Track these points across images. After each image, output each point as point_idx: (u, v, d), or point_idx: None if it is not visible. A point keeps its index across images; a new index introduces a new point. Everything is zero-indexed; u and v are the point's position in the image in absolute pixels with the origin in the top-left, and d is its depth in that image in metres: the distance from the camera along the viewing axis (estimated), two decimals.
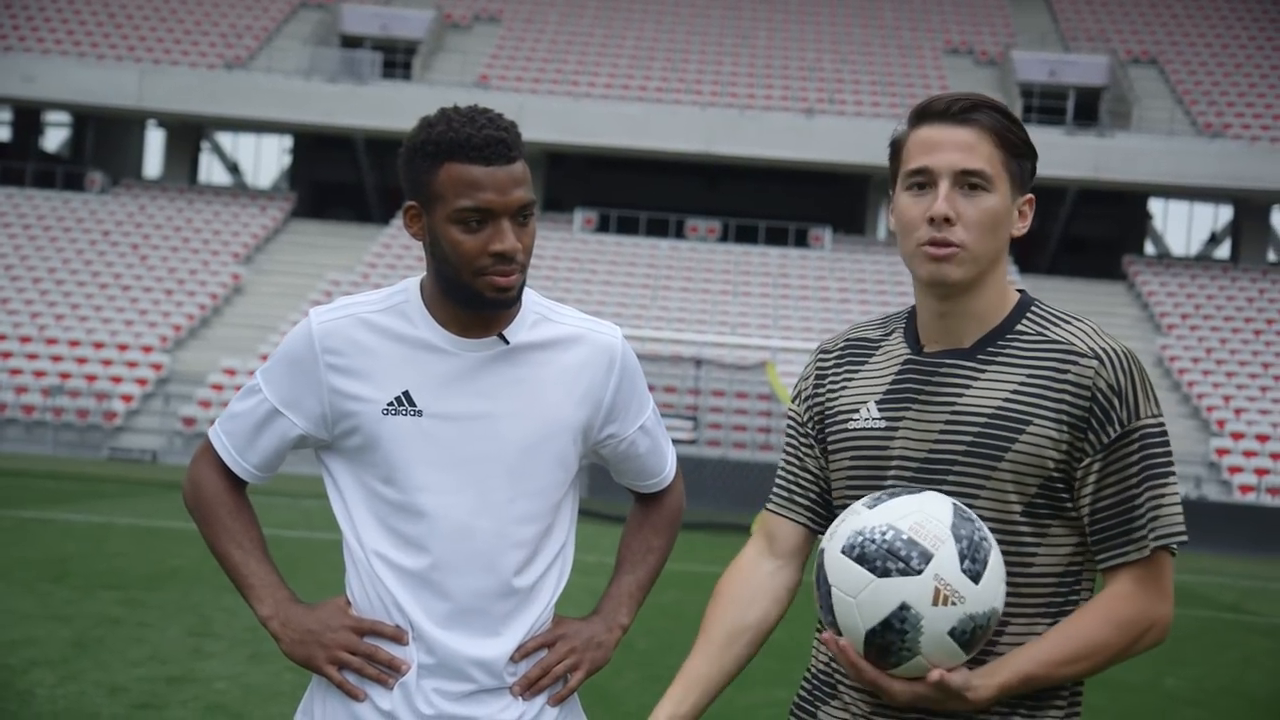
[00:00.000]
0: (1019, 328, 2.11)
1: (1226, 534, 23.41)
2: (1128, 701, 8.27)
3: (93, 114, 38.72)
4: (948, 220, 2.06)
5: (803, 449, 2.26)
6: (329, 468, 2.30)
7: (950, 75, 39.59)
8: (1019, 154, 2.10)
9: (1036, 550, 2.06)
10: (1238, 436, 28.31)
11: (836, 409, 2.19)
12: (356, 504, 2.25)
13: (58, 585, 9.64)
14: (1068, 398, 2.03)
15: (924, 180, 2.07)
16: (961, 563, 1.93)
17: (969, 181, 2.07)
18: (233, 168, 44.02)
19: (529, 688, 2.26)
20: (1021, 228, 2.13)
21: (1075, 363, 2.04)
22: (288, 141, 42.97)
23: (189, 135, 39.46)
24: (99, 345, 29.30)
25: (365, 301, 2.28)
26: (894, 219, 2.14)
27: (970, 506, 2.03)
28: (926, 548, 1.93)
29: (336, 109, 35.22)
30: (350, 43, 39.63)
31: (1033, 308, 2.14)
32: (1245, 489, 26.78)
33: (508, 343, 2.26)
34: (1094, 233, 40.45)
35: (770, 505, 2.31)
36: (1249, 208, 37.44)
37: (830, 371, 2.24)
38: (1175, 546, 2.06)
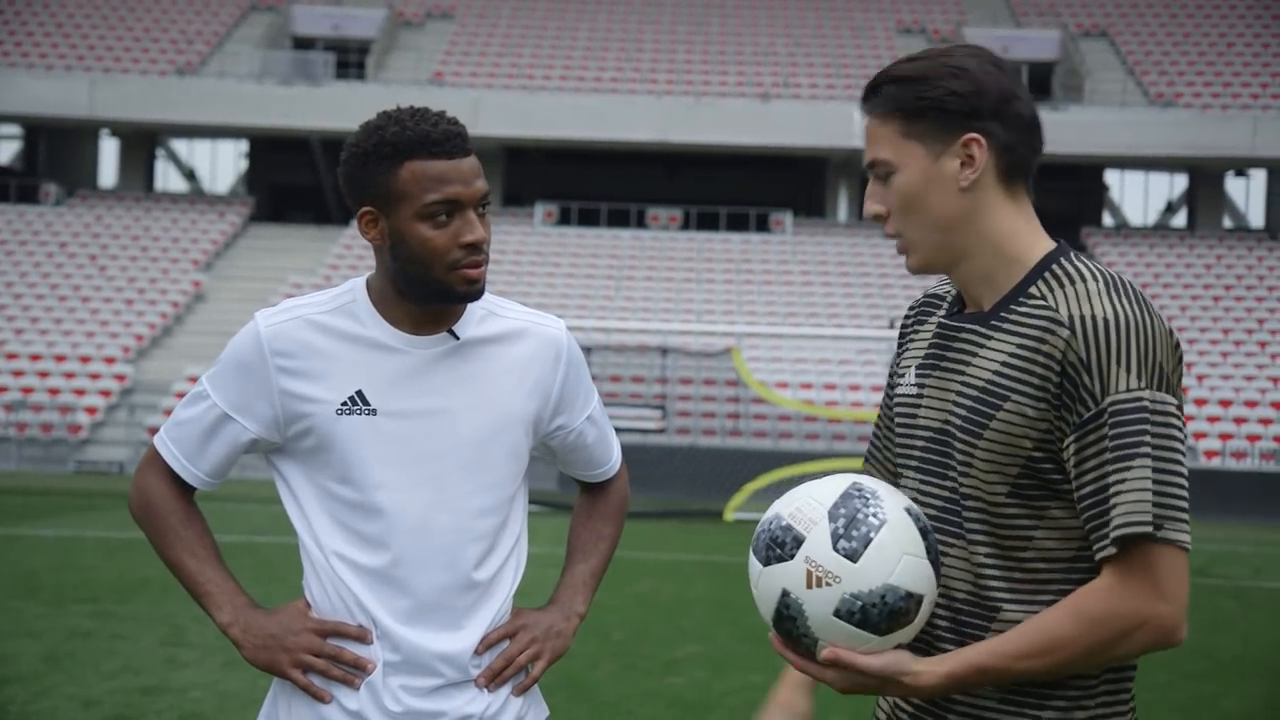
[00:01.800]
0: (1031, 290, 1.93)
1: (1194, 499, 22.93)
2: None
3: (45, 125, 38.37)
4: (879, 216, 2.01)
5: (886, 411, 2.20)
6: (281, 471, 2.30)
7: (903, 54, 39.65)
8: (918, 112, 1.95)
9: (1033, 534, 1.92)
10: (1201, 403, 28.58)
11: (899, 370, 2.13)
12: (312, 506, 2.26)
13: (28, 600, 9.58)
14: (1042, 371, 1.87)
15: (866, 179, 2.05)
16: (835, 543, 1.88)
17: (877, 173, 2.00)
18: (189, 174, 43.72)
19: (493, 679, 2.29)
20: (970, 173, 1.94)
21: (1052, 332, 1.87)
22: (244, 146, 42.71)
23: (143, 143, 39.17)
24: (61, 358, 29.08)
25: (312, 303, 2.28)
26: None
27: (960, 486, 1.95)
28: (800, 531, 1.90)
29: (291, 111, 35.03)
30: (302, 44, 39.43)
31: (1054, 265, 1.95)
32: (1210, 454, 27.04)
33: (458, 338, 2.27)
34: (1052, 206, 40.58)
35: (867, 463, 2.27)
36: (1203, 176, 37.77)
37: (909, 329, 2.15)
38: (1177, 538, 1.84)
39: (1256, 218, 40.47)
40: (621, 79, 38.07)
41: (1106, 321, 1.86)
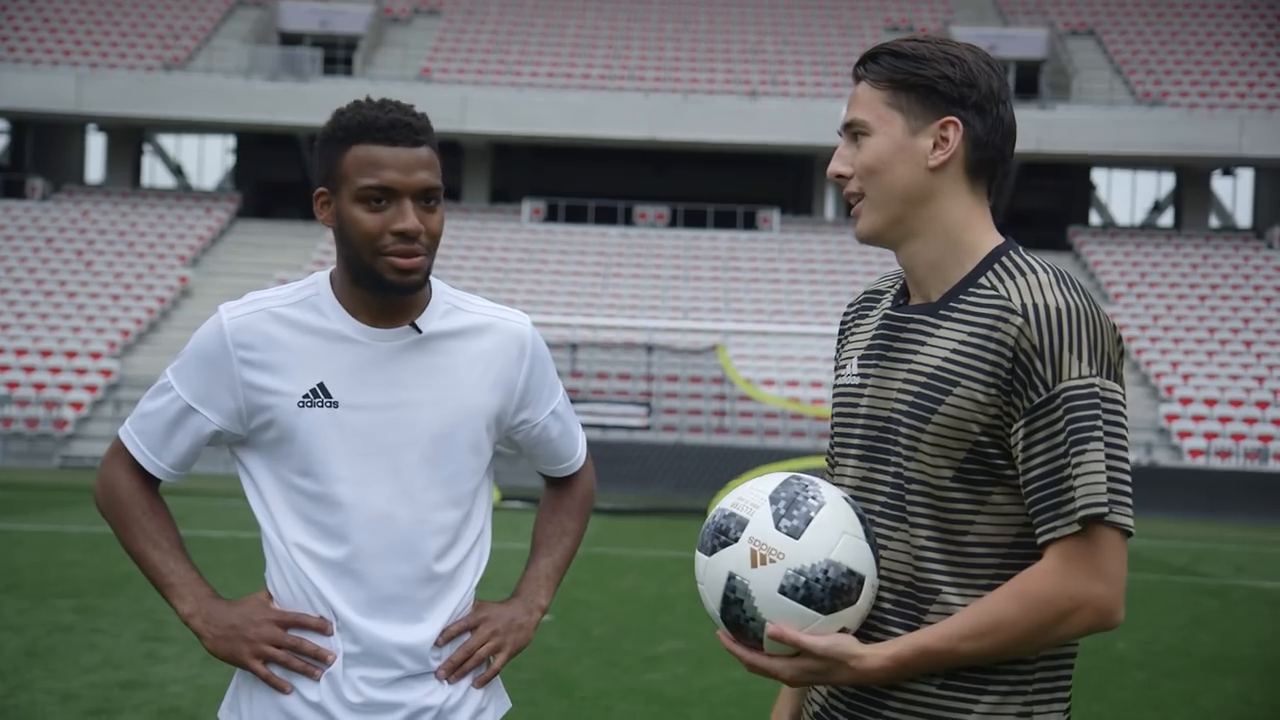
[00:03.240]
0: (981, 280, 1.98)
1: (1178, 498, 23.73)
2: (1078, 665, 8.36)
3: (31, 120, 38.25)
4: (841, 175, 2.05)
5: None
6: (244, 463, 2.31)
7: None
8: (907, 85, 2.01)
9: (974, 519, 1.95)
10: (1186, 402, 28.67)
11: (840, 362, 2.17)
12: (274, 498, 2.27)
13: (9, 595, 9.57)
14: (993, 358, 1.91)
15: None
16: (777, 522, 1.94)
17: (853, 133, 2.05)
18: (176, 170, 43.63)
19: (454, 671, 2.29)
20: (941, 155, 1.99)
21: (1005, 320, 1.92)
22: (231, 141, 42.63)
23: (130, 138, 39.08)
24: (46, 353, 29.01)
25: (275, 296, 2.30)
26: None
27: (904, 470, 1.98)
28: (743, 516, 1.96)
29: (278, 107, 34.97)
30: (289, 40, 39.37)
31: (1004, 257, 2.00)
32: (1195, 453, 27.13)
33: (420, 331, 2.28)
34: (1039, 205, 40.78)
35: (827, 460, 2.28)
36: (1190, 175, 37.87)
37: (848, 324, 2.19)
38: (1123, 522, 1.88)
39: (1243, 217, 40.60)
40: (609, 76, 38.06)
41: (1059, 310, 1.90)
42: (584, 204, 36.75)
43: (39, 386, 27.88)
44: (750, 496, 1.99)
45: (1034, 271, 1.97)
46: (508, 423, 2.38)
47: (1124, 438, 1.91)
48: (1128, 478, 1.90)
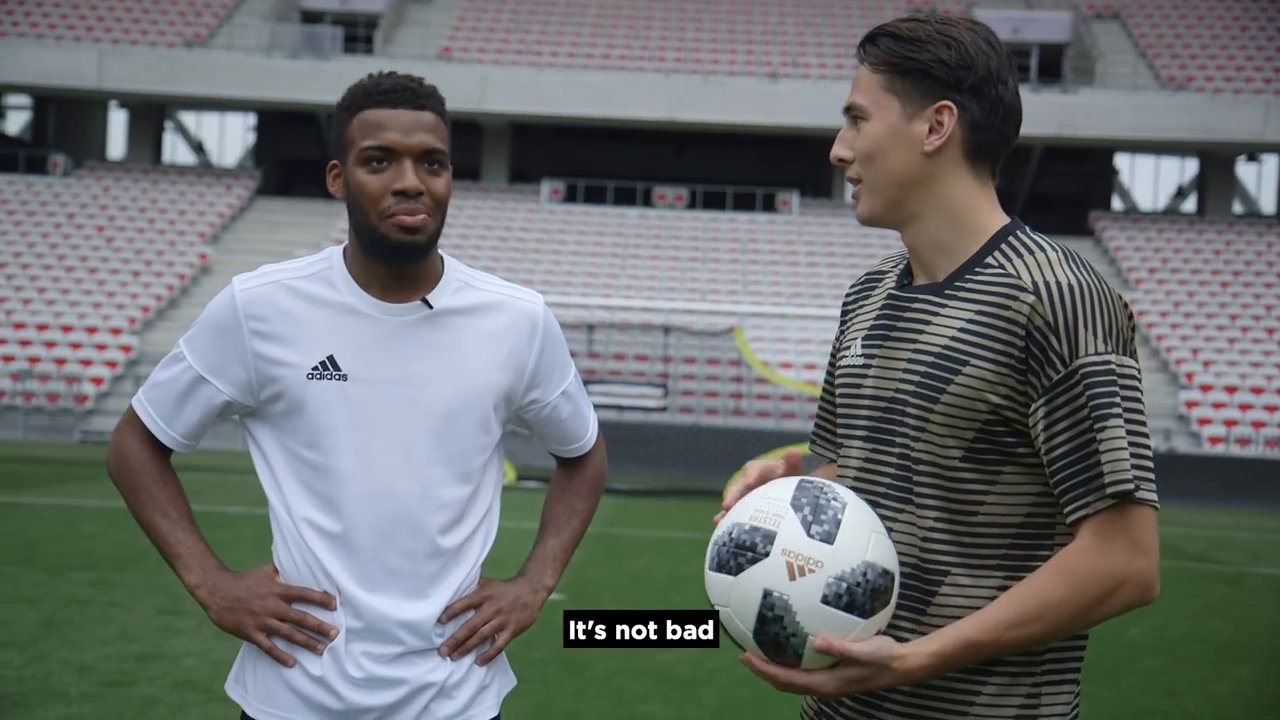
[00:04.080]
0: (988, 260, 1.97)
1: (1196, 485, 23.65)
2: (1091, 651, 8.29)
3: (54, 96, 38.38)
4: (842, 160, 2.06)
5: (830, 388, 2.23)
6: (254, 435, 2.32)
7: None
8: (903, 69, 2.00)
9: (984, 499, 1.93)
10: (1206, 389, 28.55)
11: (843, 344, 2.16)
12: (282, 470, 2.28)
13: (26, 568, 9.64)
14: (1005, 336, 1.90)
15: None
16: (808, 530, 1.86)
17: (852, 116, 2.05)
18: (197, 147, 43.72)
19: (456, 648, 2.30)
20: (936, 139, 1.98)
21: (1016, 298, 1.91)
22: (251, 119, 42.70)
23: (151, 115, 39.17)
24: (67, 329, 29.16)
25: (288, 268, 2.31)
26: None
27: (911, 451, 1.96)
28: (768, 529, 1.87)
29: (299, 85, 35.00)
30: (310, 18, 39.37)
31: (1010, 237, 1.99)
32: (1214, 440, 27.03)
33: (431, 307, 2.29)
34: (1061, 189, 40.59)
35: (813, 444, 2.29)
36: (1215, 160, 37.62)
37: (850, 306, 2.19)
38: (1150, 498, 1.88)
39: (1268, 203, 40.35)
40: (630, 57, 37.98)
41: (1071, 288, 1.89)
42: (603, 185, 36.71)
43: (60, 362, 28.03)
44: (769, 507, 1.90)
45: (1042, 250, 1.96)
46: (518, 402, 2.38)
47: (1142, 413, 1.91)
48: (1150, 453, 1.90)
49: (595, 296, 29.56)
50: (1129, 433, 1.87)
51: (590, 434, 2.53)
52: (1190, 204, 41.09)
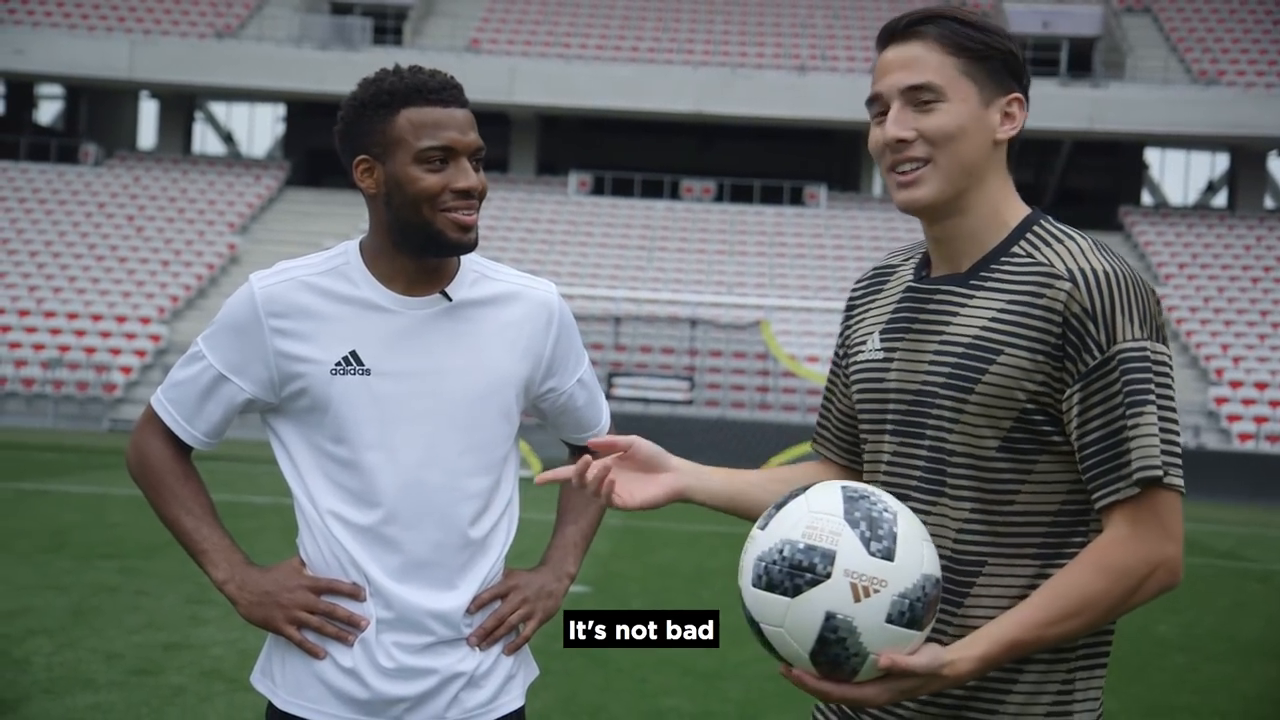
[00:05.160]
0: (1014, 249, 1.97)
1: (1226, 482, 23.49)
2: (1119, 648, 8.30)
3: (85, 86, 38.58)
4: (902, 141, 1.98)
5: (836, 386, 2.22)
6: (276, 430, 2.33)
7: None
8: (982, 56, 1.98)
9: (1019, 488, 1.93)
10: (1236, 385, 28.36)
11: (855, 340, 2.13)
12: (307, 464, 2.29)
13: (56, 555, 9.72)
14: (1040, 324, 1.90)
15: (880, 108, 2.01)
16: (868, 547, 1.80)
17: (918, 98, 1.98)
18: (226, 137, 43.90)
19: (485, 638, 2.31)
20: (1008, 130, 1.99)
21: (1050, 285, 1.91)
22: (281, 110, 42.83)
23: (182, 105, 39.35)
24: (97, 317, 29.34)
25: (305, 265, 2.31)
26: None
27: (946, 441, 1.95)
28: (826, 548, 1.81)
29: (328, 76, 35.08)
30: (340, 9, 39.44)
31: (1035, 226, 1.99)
32: (1244, 437, 26.85)
33: (450, 299, 2.30)
34: (1090, 184, 40.36)
35: (816, 444, 2.27)
36: (1246, 155, 37.33)
37: (859, 302, 2.17)
38: (1178, 483, 1.89)
39: None
40: (658, 49, 37.93)
41: (1107, 274, 1.90)
42: (630, 177, 36.70)
43: (89, 350, 28.21)
44: (823, 524, 1.83)
45: (1072, 239, 1.97)
46: (535, 390, 2.39)
47: (1173, 399, 1.92)
48: (1180, 439, 1.92)
49: (622, 289, 29.55)
50: (1161, 419, 1.88)
51: (604, 421, 2.54)
52: (1220, 199, 40.79)
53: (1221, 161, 40.83)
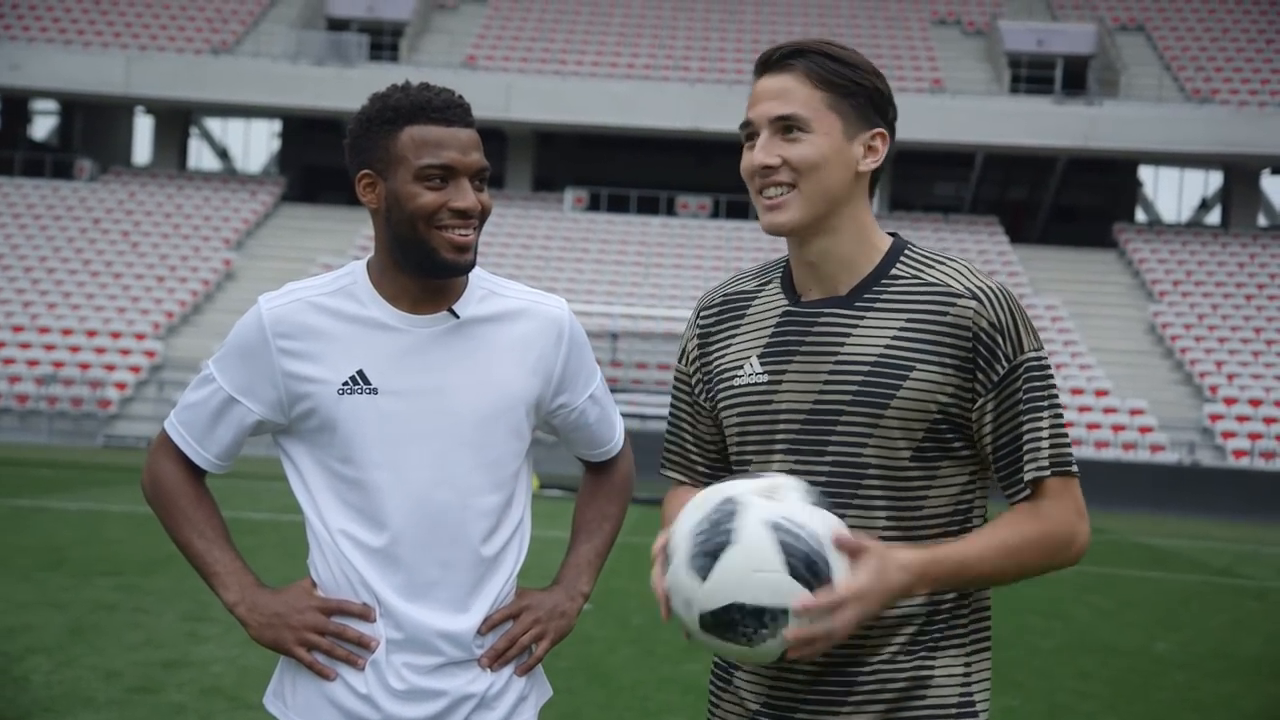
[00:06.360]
0: (894, 272, 2.10)
1: (1220, 499, 23.52)
2: (1118, 665, 8.34)
3: (80, 101, 38.63)
4: (768, 167, 2.09)
5: (694, 412, 2.25)
6: (287, 451, 2.33)
7: (937, 46, 39.53)
8: (848, 92, 2.09)
9: (927, 493, 2.07)
10: (1230, 402, 28.39)
11: (721, 367, 2.18)
12: (317, 484, 2.28)
13: (53, 572, 9.68)
14: (949, 340, 2.04)
15: (750, 132, 2.12)
16: (691, 565, 1.95)
17: (784, 125, 2.09)
18: (222, 153, 43.94)
19: (496, 659, 2.30)
20: (870, 162, 2.10)
21: (953, 304, 2.05)
22: (277, 126, 42.89)
23: (177, 121, 39.38)
24: (92, 333, 29.31)
25: (313, 285, 2.32)
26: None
27: (858, 455, 2.05)
28: (669, 541, 2.00)
29: (324, 92, 35.15)
30: (336, 25, 39.53)
31: (906, 251, 2.13)
32: (1239, 454, 26.88)
33: (458, 317, 2.29)
34: (1085, 201, 40.45)
35: (668, 470, 2.31)
36: (1239, 173, 37.46)
37: (713, 328, 2.22)
38: (1076, 472, 2.08)
39: None
40: (654, 66, 38.03)
41: (1003, 291, 2.07)
42: (626, 193, 36.75)
43: (84, 366, 28.17)
44: (672, 541, 2.00)
45: (952, 261, 2.12)
46: (546, 407, 2.38)
47: (1059, 395, 2.12)
48: (1066, 430, 2.12)
49: (618, 305, 29.58)
50: (1055, 416, 2.07)
51: (617, 437, 2.53)
52: (1214, 217, 40.90)
53: (1215, 179, 40.96)
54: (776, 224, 2.10)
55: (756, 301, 2.20)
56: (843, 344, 2.08)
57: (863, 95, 2.10)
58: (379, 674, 2.25)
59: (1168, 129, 34.59)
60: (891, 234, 2.16)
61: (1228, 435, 27.37)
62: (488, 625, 2.29)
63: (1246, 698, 7.73)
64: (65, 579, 9.44)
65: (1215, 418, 27.91)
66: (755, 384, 2.13)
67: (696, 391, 2.25)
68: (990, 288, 2.06)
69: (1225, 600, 12.15)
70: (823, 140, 2.07)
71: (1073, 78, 38.68)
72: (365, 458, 2.24)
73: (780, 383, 2.11)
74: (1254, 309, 31.94)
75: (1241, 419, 27.86)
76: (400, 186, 2.22)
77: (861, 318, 2.08)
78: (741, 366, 2.16)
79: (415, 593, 2.25)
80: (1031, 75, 37.87)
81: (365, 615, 2.25)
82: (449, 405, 2.26)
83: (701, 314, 2.26)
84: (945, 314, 2.05)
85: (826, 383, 2.08)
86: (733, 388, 2.16)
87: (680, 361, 2.29)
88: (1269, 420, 27.85)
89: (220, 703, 6.24)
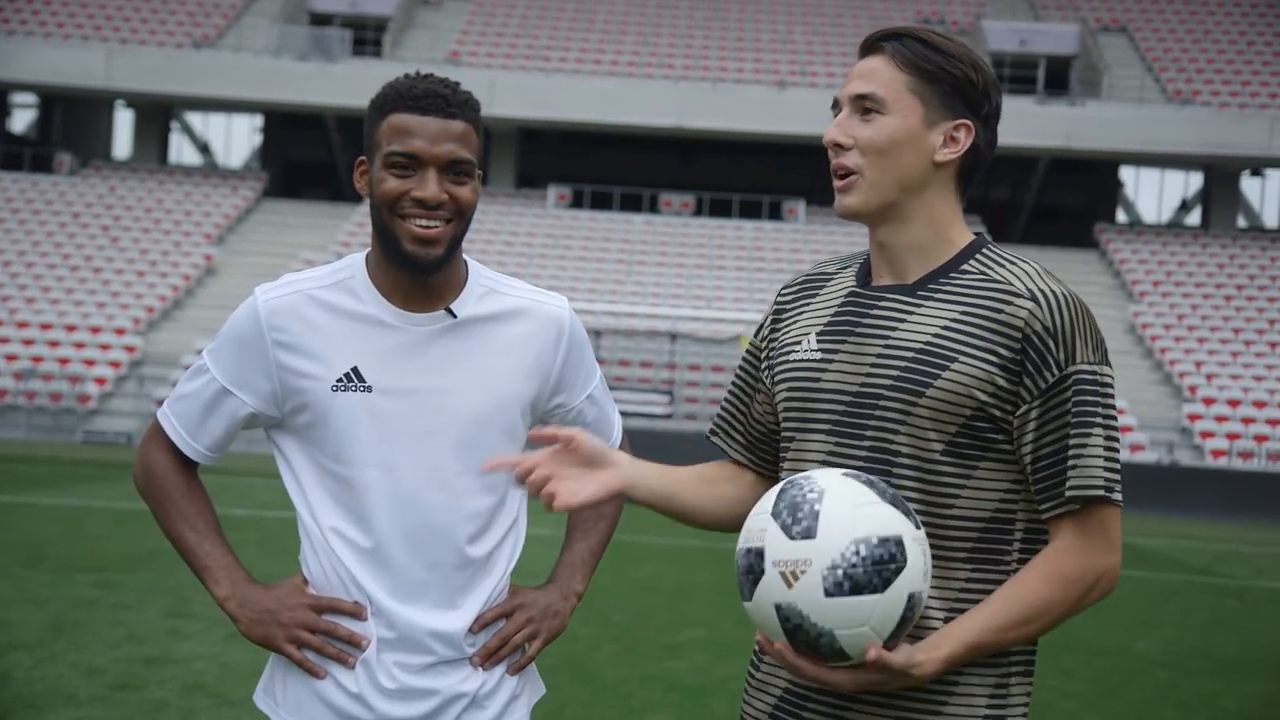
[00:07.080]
0: (965, 267, 2.06)
1: (1199, 498, 23.61)
2: (1100, 664, 8.37)
3: (60, 95, 38.42)
4: (839, 145, 2.07)
5: (750, 386, 2.26)
6: (280, 446, 2.31)
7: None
8: (934, 78, 2.05)
9: (959, 492, 2.01)
10: (1209, 402, 28.53)
11: (784, 342, 2.18)
12: (309, 481, 2.27)
13: (33, 569, 9.63)
14: (998, 338, 1.98)
15: (836, 111, 2.11)
16: (789, 533, 1.87)
17: (863, 106, 2.06)
18: (203, 148, 43.74)
19: (488, 658, 2.29)
20: (948, 153, 2.06)
21: (1010, 303, 1.99)
22: (258, 121, 42.71)
23: (158, 115, 39.19)
24: (71, 328, 29.16)
25: (311, 278, 2.29)
26: None
27: (891, 442, 2.01)
28: (757, 545, 1.90)
29: (307, 88, 35.03)
30: (319, 20, 39.37)
31: (984, 249, 2.08)
32: (1217, 453, 27.00)
33: (455, 316, 2.27)
34: (1066, 201, 40.58)
35: (714, 436, 2.31)
36: (1219, 174, 37.62)
37: (788, 306, 2.22)
38: (1119, 499, 2.00)
39: (1271, 218, 40.34)
40: (638, 63, 38.00)
41: (1066, 298, 2.00)
42: (609, 191, 36.72)
43: (63, 361, 28.03)
44: (756, 524, 1.93)
45: (1024, 262, 2.06)
46: (543, 407, 2.37)
47: (1116, 419, 2.02)
48: (1119, 457, 2.03)
49: (601, 303, 29.55)
50: (1107, 439, 1.98)
51: (615, 437, 2.51)
52: (1194, 217, 41.07)
53: (1195, 180, 41.12)
54: (844, 206, 2.08)
55: (832, 283, 2.18)
56: (895, 329, 2.05)
57: (949, 83, 2.05)
58: (370, 673, 2.24)
59: (1149, 130, 34.72)
60: (977, 233, 2.12)
61: (1206, 435, 27.50)
62: (480, 624, 2.28)
63: (1226, 696, 7.77)
64: (45, 575, 9.39)
65: (1194, 417, 28.04)
66: (809, 360, 2.11)
67: (761, 368, 2.23)
68: (1053, 291, 2.00)
69: (1206, 599, 12.21)
70: (898, 123, 2.03)
71: (1055, 78, 38.78)
72: (356, 456, 2.22)
73: (831, 362, 2.09)
74: (1233, 310, 32.09)
75: (1220, 419, 27.99)
76: (375, 172, 2.22)
77: (919, 306, 2.05)
78: (800, 343, 2.14)
79: (405, 593, 2.23)
80: (1014, 75, 37.94)
81: (356, 613, 2.24)
82: (443, 406, 2.24)
83: (782, 292, 2.25)
84: (1000, 311, 2.00)
85: (874, 366, 2.04)
86: (788, 362, 2.15)
87: (755, 336, 2.27)
88: (1247, 420, 27.99)
89: (203, 699, 6.21)
